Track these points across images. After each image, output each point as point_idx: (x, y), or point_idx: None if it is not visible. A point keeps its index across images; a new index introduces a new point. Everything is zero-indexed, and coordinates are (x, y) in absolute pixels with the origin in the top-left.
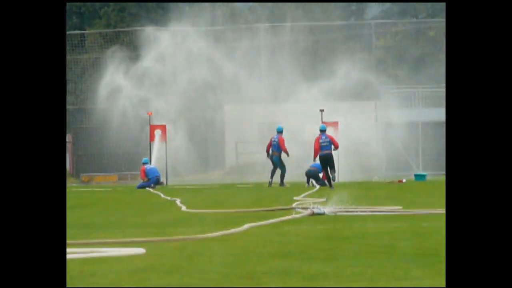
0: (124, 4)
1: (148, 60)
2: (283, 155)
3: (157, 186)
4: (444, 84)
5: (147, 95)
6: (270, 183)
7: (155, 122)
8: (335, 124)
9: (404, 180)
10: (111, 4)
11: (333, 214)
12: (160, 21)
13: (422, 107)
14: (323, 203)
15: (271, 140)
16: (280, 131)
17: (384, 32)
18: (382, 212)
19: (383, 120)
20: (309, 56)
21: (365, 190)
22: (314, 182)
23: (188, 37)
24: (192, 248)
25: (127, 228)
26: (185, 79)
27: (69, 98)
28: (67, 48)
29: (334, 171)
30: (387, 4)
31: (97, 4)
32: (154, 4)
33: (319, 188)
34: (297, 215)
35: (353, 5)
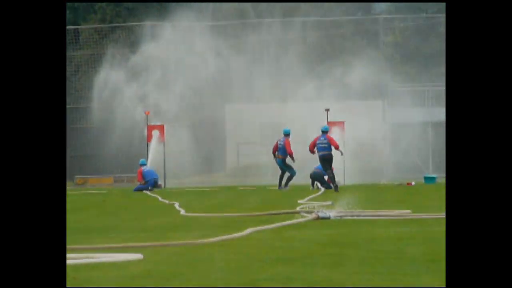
0: None
1: (145, 57)
2: (288, 159)
3: (155, 189)
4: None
5: (144, 94)
6: (280, 186)
7: (153, 122)
8: (341, 124)
9: (413, 183)
10: None
11: (339, 218)
12: (158, 16)
13: (433, 106)
14: (329, 207)
15: (277, 143)
16: (286, 134)
17: (393, 27)
18: (390, 216)
19: (391, 120)
20: (314, 53)
21: (372, 193)
22: (319, 184)
23: (187, 32)
24: (191, 253)
25: (123, 232)
26: (184, 77)
27: None
28: None
29: (331, 172)
30: None
31: None
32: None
33: (324, 191)
34: (302, 219)
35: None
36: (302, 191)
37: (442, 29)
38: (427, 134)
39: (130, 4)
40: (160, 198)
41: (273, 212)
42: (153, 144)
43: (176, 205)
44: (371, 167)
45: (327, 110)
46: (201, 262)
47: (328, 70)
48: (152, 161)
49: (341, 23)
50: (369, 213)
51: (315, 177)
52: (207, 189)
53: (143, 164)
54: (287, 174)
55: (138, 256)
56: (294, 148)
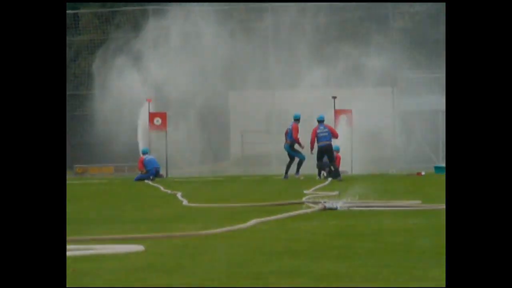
0: None
1: (147, 42)
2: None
3: (156, 179)
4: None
5: (145, 80)
6: (286, 175)
7: (155, 110)
8: (348, 112)
9: (423, 173)
10: None
11: (347, 209)
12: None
13: (443, 94)
14: (336, 197)
15: (287, 128)
16: (296, 118)
17: (402, 12)
18: (400, 207)
19: (401, 108)
20: (321, 38)
21: (381, 183)
22: (326, 174)
23: (189, 17)
24: (194, 245)
25: (124, 223)
26: (186, 63)
27: None
28: None
29: (334, 162)
30: None
31: None
32: None
33: (331, 181)
34: (308, 210)
35: None
36: (308, 181)
37: None
38: (438, 122)
39: None
40: (162, 188)
41: (278, 202)
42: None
43: (179, 195)
44: (379, 157)
45: (334, 97)
46: (204, 254)
47: (335, 56)
48: (142, 145)
49: (349, 8)
50: (377, 204)
51: (321, 166)
52: (211, 178)
53: (146, 152)
54: (295, 164)
55: (139, 247)
56: (300, 137)
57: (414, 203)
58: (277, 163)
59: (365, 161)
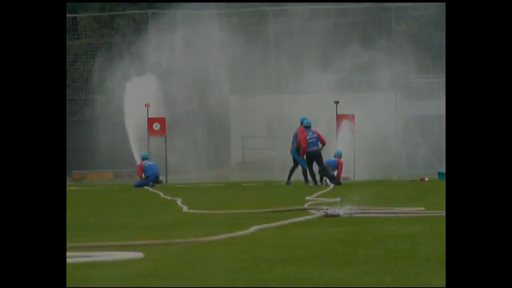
0: None
1: (146, 47)
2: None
3: (156, 185)
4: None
5: (145, 85)
6: (289, 181)
7: (154, 115)
8: (351, 117)
9: (426, 179)
10: None
11: (349, 215)
12: (159, 5)
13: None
14: (338, 204)
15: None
16: (302, 122)
17: (405, 16)
18: (403, 214)
19: (404, 113)
20: (322, 42)
21: (384, 189)
22: (327, 180)
23: (189, 21)
24: (194, 252)
25: (123, 230)
26: (186, 68)
27: None
28: None
29: (323, 168)
30: None
31: None
32: None
33: (333, 187)
34: (310, 217)
35: None
36: (310, 187)
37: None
38: (441, 127)
39: None
40: (161, 194)
41: (280, 209)
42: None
43: (179, 201)
44: (382, 163)
45: (337, 102)
46: (204, 261)
47: (338, 61)
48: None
49: (352, 11)
50: (380, 211)
51: (323, 172)
52: (211, 184)
53: (145, 158)
54: (299, 172)
55: (138, 254)
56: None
57: (417, 210)
58: (279, 169)
59: (368, 167)
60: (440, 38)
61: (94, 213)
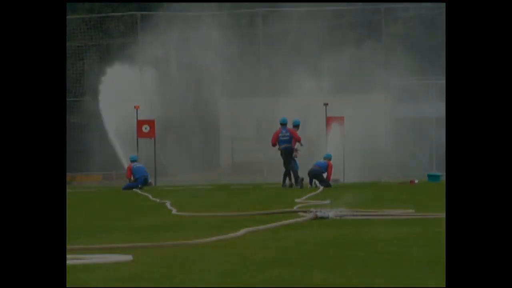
0: None
1: (136, 48)
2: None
3: (145, 187)
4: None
5: (134, 87)
6: (290, 184)
7: (143, 117)
8: (340, 119)
9: (416, 181)
10: None
11: (339, 218)
12: (148, 7)
13: (437, 101)
14: (328, 206)
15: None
16: (295, 125)
17: (395, 18)
18: (392, 216)
19: (394, 115)
20: (312, 44)
21: (373, 191)
22: (317, 183)
23: (178, 23)
24: (183, 255)
25: (112, 232)
26: (176, 70)
27: None
28: None
29: (293, 167)
30: None
31: None
32: None
33: (323, 189)
34: (299, 219)
35: None
36: (299, 189)
37: None
38: (431, 130)
39: None
40: (150, 197)
41: (269, 211)
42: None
43: (168, 204)
44: (372, 164)
45: (326, 104)
46: (193, 264)
47: (327, 62)
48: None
49: (341, 13)
50: (370, 213)
51: (313, 174)
52: (200, 187)
53: (134, 160)
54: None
55: (127, 257)
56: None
57: (407, 212)
58: (268, 172)
59: (357, 169)
60: (432, 39)
61: (83, 216)
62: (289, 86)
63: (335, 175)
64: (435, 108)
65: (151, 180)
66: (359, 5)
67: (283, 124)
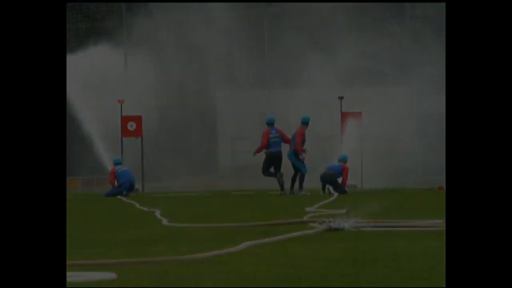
0: None
1: (121, 39)
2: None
3: (131, 194)
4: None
5: (117, 80)
6: (291, 190)
7: (129, 113)
8: (357, 115)
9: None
10: None
11: (356, 229)
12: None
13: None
14: (343, 216)
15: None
16: (304, 122)
17: None
18: (418, 228)
19: (420, 110)
20: (324, 28)
21: (396, 199)
22: (331, 189)
23: (173, 10)
24: (175, 272)
25: (93, 247)
26: (167, 59)
27: None
28: None
29: (280, 173)
30: None
31: None
32: None
33: (337, 196)
34: (310, 231)
35: None
36: (310, 196)
37: None
38: None
39: None
40: (137, 205)
41: (275, 222)
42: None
43: (157, 213)
44: (394, 168)
45: (341, 98)
46: (187, 283)
47: (343, 50)
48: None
49: None
50: (392, 224)
51: (326, 179)
52: (195, 193)
53: (118, 163)
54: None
55: (111, 275)
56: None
57: (435, 223)
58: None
59: (377, 173)
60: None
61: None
62: (299, 77)
63: (352, 180)
64: None
65: (138, 186)
66: None
67: (271, 123)
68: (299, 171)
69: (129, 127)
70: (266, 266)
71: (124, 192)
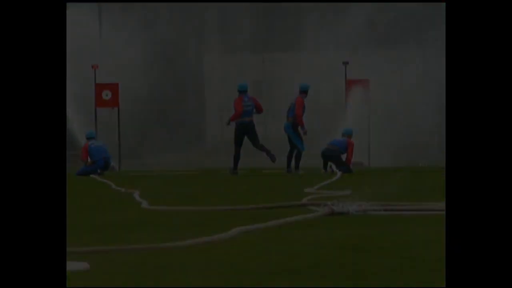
0: None
1: None
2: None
3: (106, 172)
4: None
5: (89, 42)
6: (288, 168)
7: (103, 80)
8: (364, 82)
9: None
10: None
11: (361, 213)
12: None
13: None
14: (347, 198)
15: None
16: (303, 90)
17: None
18: (432, 212)
19: (434, 76)
20: None
21: (408, 179)
22: (333, 167)
23: None
24: (156, 262)
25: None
26: (145, 20)
27: None
28: None
29: (259, 143)
30: None
31: None
32: None
33: (341, 176)
34: (310, 215)
35: None
36: (310, 175)
37: None
38: None
39: None
40: (113, 185)
41: (270, 204)
42: None
43: (136, 194)
44: (406, 144)
45: (346, 63)
46: (169, 273)
47: (346, 10)
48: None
49: None
50: (402, 207)
51: (328, 156)
52: (180, 172)
53: (91, 137)
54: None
55: (83, 265)
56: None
57: None
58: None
59: (387, 150)
60: None
61: None
62: (298, 39)
63: (357, 157)
64: None
65: (114, 163)
66: None
67: (243, 91)
68: (295, 148)
69: (104, 96)
70: (259, 255)
71: (99, 171)
